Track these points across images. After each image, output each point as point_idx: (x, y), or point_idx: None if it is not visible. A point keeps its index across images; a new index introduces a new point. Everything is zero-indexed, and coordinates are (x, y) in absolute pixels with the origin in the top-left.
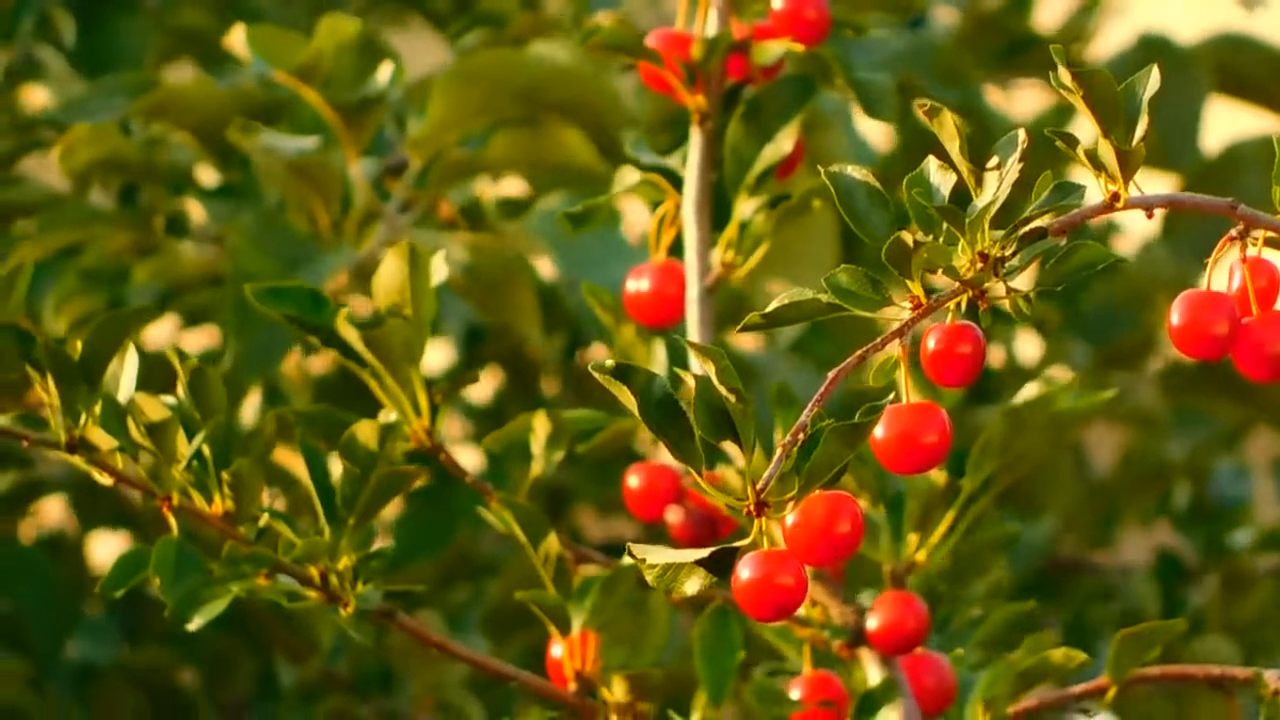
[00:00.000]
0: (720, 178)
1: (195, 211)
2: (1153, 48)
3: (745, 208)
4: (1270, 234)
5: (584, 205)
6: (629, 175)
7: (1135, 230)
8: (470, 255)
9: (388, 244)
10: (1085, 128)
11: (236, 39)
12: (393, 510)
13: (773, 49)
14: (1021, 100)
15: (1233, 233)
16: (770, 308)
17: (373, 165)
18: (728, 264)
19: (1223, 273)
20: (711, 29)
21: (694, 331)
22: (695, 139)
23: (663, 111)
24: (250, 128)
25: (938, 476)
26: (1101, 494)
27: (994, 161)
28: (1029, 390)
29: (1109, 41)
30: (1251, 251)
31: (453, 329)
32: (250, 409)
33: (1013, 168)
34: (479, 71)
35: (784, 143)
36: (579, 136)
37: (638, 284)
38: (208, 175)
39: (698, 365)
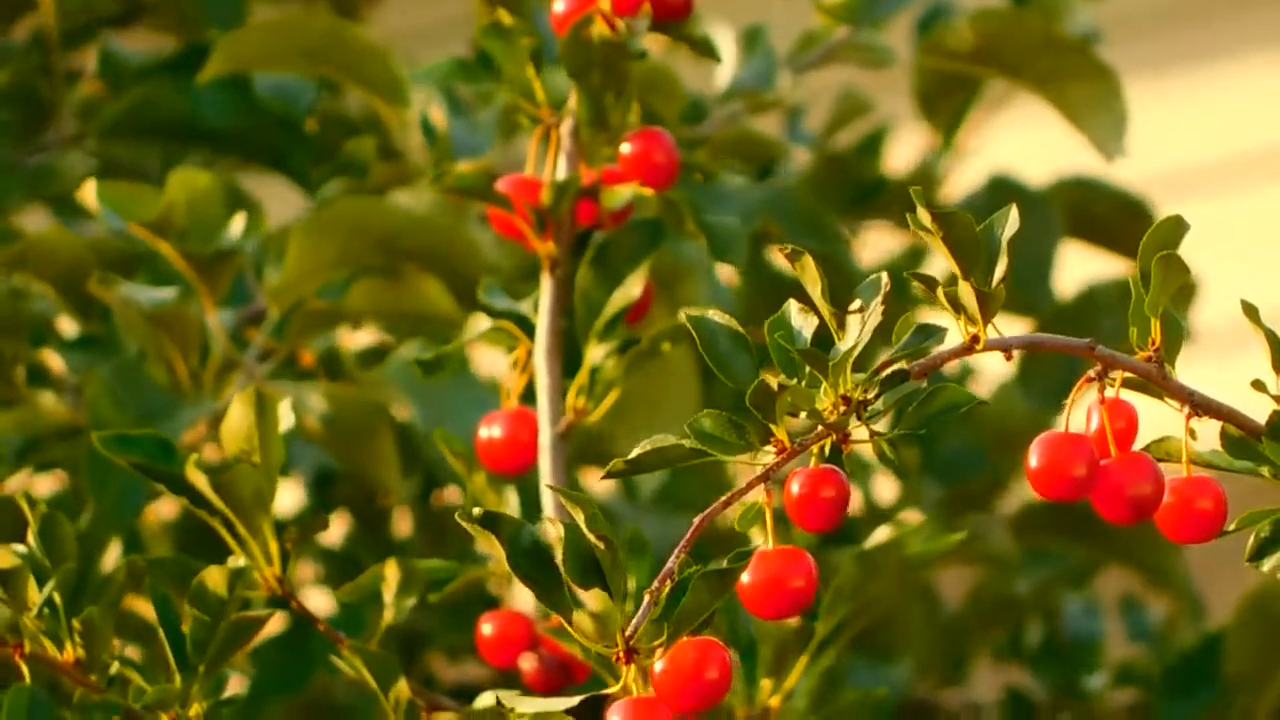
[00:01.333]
0: (571, 324)
1: (55, 362)
2: (1003, 189)
3: (596, 353)
4: (1128, 375)
5: (435, 352)
6: (481, 322)
7: (990, 372)
8: (329, 404)
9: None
10: (938, 270)
11: (88, 193)
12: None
13: (621, 193)
14: (871, 244)
15: (1091, 374)
16: (633, 454)
17: (231, 315)
18: (579, 410)
19: (1081, 414)
20: (561, 174)
21: (547, 478)
22: (546, 285)
23: (523, 259)
24: (108, 279)
25: (791, 620)
26: (953, 633)
27: (856, 304)
28: (880, 534)
29: (959, 184)
30: (1110, 393)
31: (302, 472)
32: (111, 557)
33: (875, 310)
34: (336, 220)
35: (633, 287)
36: (437, 285)
37: (489, 431)
38: (68, 326)
39: (558, 512)
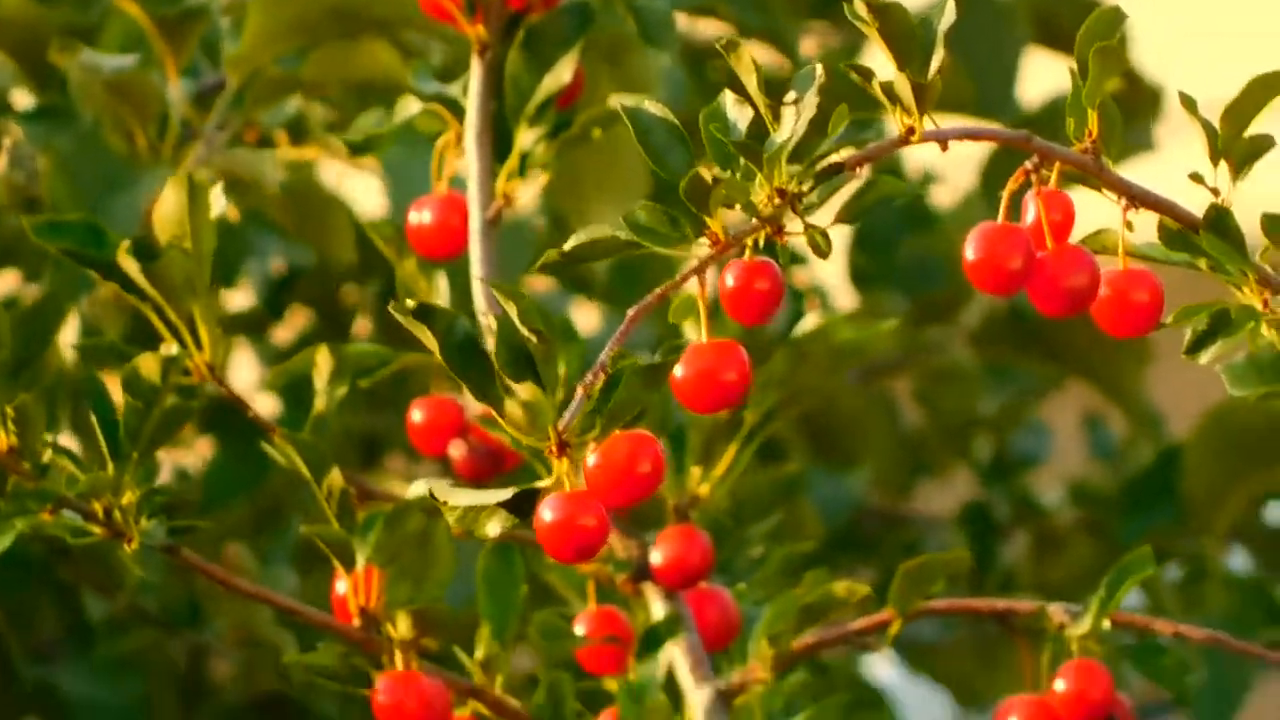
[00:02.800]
0: (501, 108)
1: (11, 135)
2: None
3: (526, 138)
4: (1066, 168)
5: (365, 134)
6: (411, 105)
7: (958, 182)
8: (290, 174)
9: (206, 163)
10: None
11: None
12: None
13: None
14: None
15: (1028, 165)
16: (568, 245)
17: (190, 85)
18: (509, 195)
19: (1018, 208)
20: None
21: (477, 264)
22: (476, 69)
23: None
24: (69, 45)
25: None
26: (911, 446)
27: (791, 96)
28: (808, 322)
29: None
30: (1047, 186)
31: (261, 271)
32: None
33: (810, 102)
34: None
35: (563, 72)
36: (393, 54)
37: (419, 216)
38: (23, 98)
39: (490, 305)
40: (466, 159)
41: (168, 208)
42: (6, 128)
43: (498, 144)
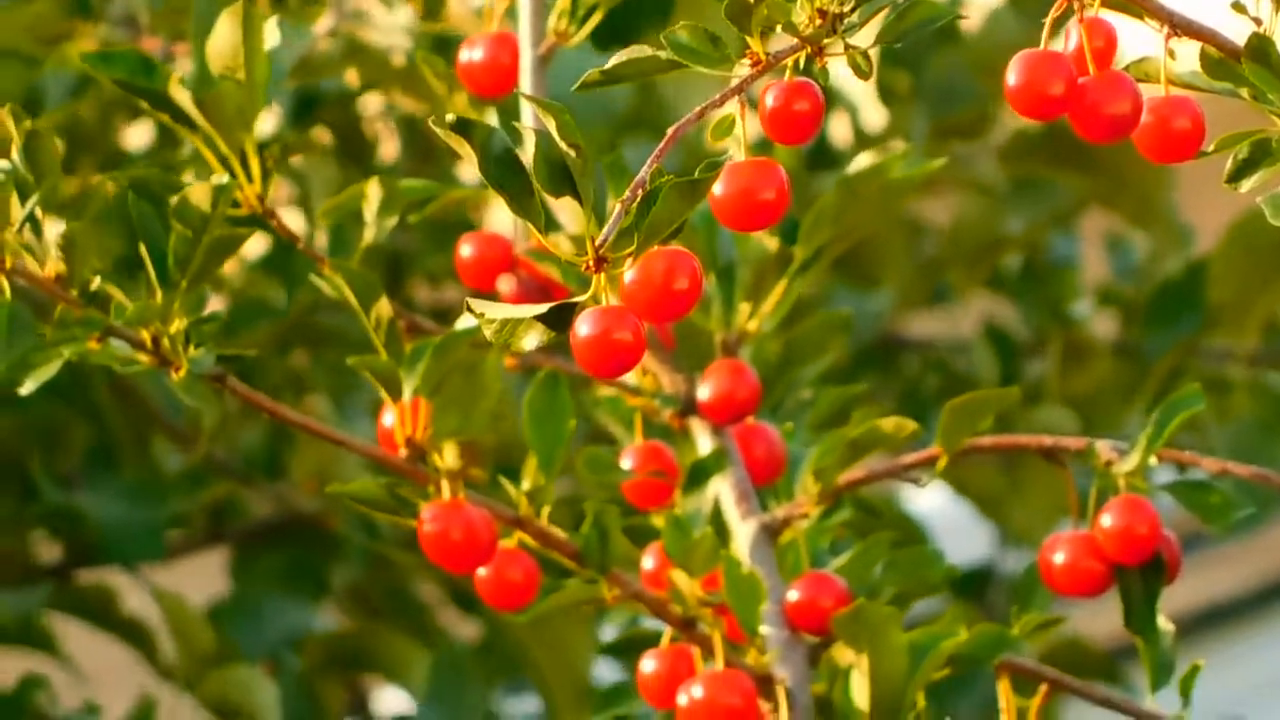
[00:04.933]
0: None
1: None
2: None
3: None
4: None
5: None
6: None
7: (979, 2)
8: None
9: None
10: None
11: None
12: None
13: None
14: None
15: None
16: (609, 64)
17: None
18: (561, 33)
19: (1060, 35)
20: None
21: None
22: None
23: None
24: None
25: (769, 244)
26: (936, 265)
27: None
28: (862, 160)
29: None
30: (1089, 12)
31: (283, 93)
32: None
33: None
34: None
35: None
36: None
37: (470, 53)
38: None
39: (532, 121)
40: None
41: (221, 39)
42: None
43: None
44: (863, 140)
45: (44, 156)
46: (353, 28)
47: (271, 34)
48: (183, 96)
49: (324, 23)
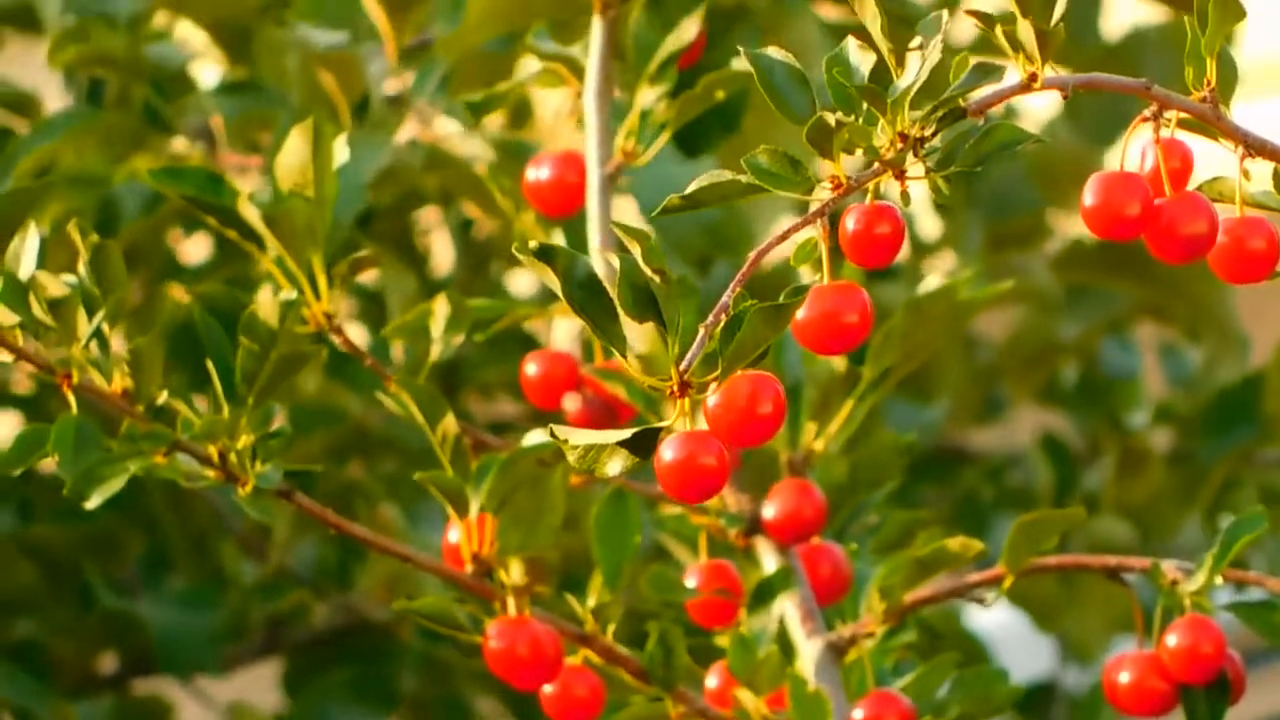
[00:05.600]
0: (623, 66)
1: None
2: None
3: (646, 96)
4: (1183, 115)
5: (485, 94)
6: (531, 64)
7: (1031, 114)
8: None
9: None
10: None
11: None
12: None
13: None
14: None
15: (1146, 113)
16: (690, 189)
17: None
18: (628, 152)
19: (1136, 154)
20: None
21: (594, 219)
22: (597, 26)
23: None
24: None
25: (837, 364)
26: (991, 375)
27: (917, 41)
28: (931, 282)
29: None
30: (1165, 132)
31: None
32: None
33: (935, 47)
34: None
35: (686, 31)
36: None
37: (537, 172)
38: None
39: (613, 247)
40: (585, 117)
41: (291, 156)
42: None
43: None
44: (919, 250)
45: (111, 271)
46: (434, 136)
47: (341, 151)
48: (251, 213)
49: (406, 131)
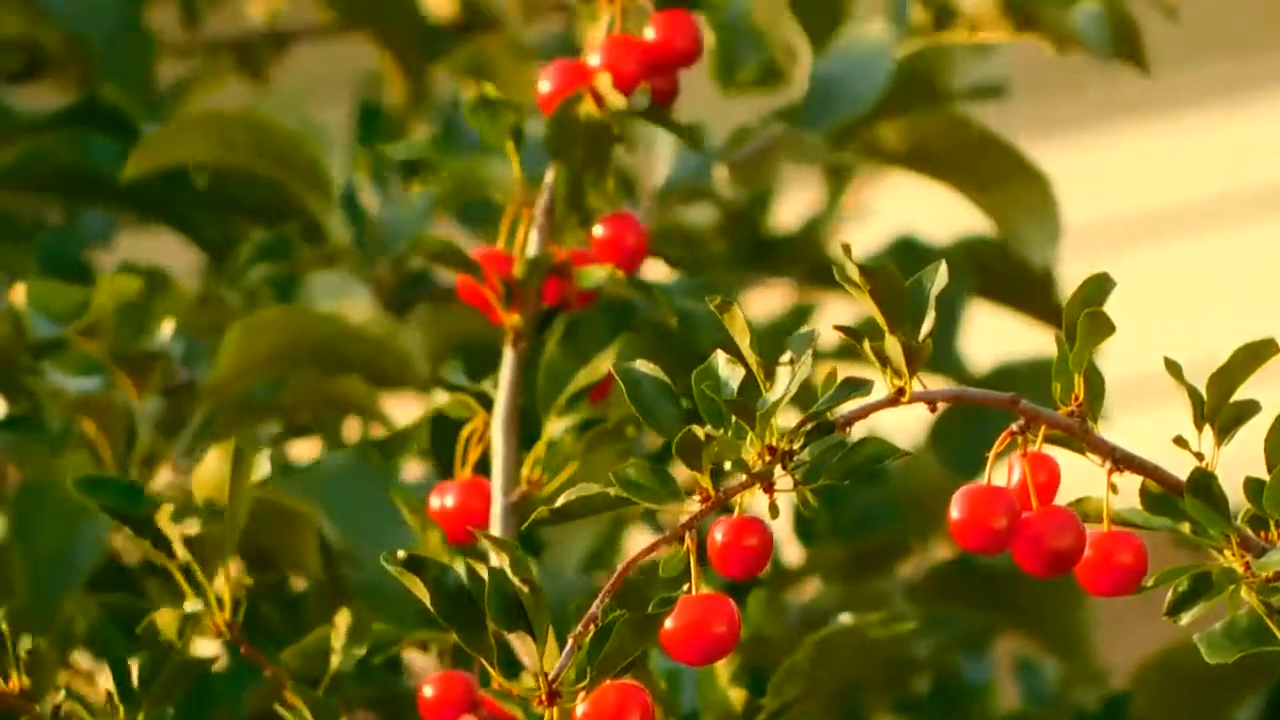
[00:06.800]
0: (531, 398)
1: None
2: (907, 249)
3: (556, 426)
4: (1050, 430)
5: (393, 433)
6: (439, 396)
7: (893, 432)
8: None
9: (173, 487)
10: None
11: (17, 294)
12: None
13: (596, 273)
14: (757, 302)
15: (1014, 427)
16: (559, 502)
17: (157, 404)
18: (534, 481)
19: (1002, 468)
20: (532, 250)
21: None
22: (508, 357)
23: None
24: (36, 369)
25: (736, 696)
26: (847, 689)
27: (787, 356)
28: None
29: (856, 242)
30: (1033, 447)
31: None
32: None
33: (806, 363)
34: (270, 326)
35: (600, 365)
36: (367, 386)
37: (442, 499)
38: None
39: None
40: (492, 445)
41: (210, 470)
42: None
43: (524, 433)
44: (778, 570)
45: (8, 573)
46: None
47: (262, 466)
48: (173, 531)
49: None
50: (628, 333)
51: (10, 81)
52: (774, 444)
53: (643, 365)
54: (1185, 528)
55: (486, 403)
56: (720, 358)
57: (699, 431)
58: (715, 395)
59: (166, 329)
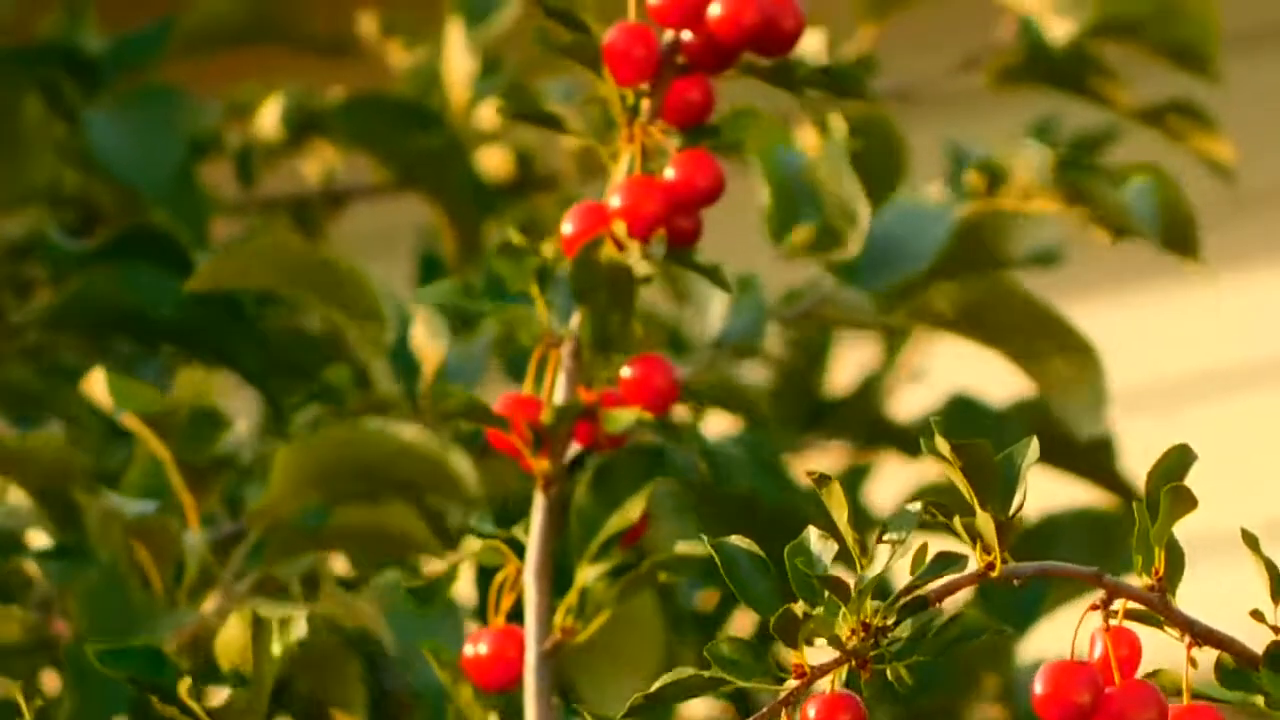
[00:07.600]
0: (564, 543)
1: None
2: (964, 410)
3: (588, 573)
4: (1131, 604)
5: (427, 580)
6: (471, 544)
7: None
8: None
9: (222, 611)
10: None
11: (95, 384)
12: None
13: (624, 416)
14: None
15: (1096, 601)
16: (654, 687)
17: (210, 532)
18: (567, 629)
19: (1084, 641)
20: (559, 393)
21: (531, 695)
22: (539, 503)
23: (506, 488)
24: (94, 487)
25: None
26: None
27: (888, 535)
28: None
29: (909, 401)
30: (1114, 621)
31: None
32: None
33: (909, 541)
34: (320, 446)
35: (632, 511)
36: (413, 515)
37: (476, 648)
38: (38, 538)
39: None
40: (525, 593)
41: (230, 638)
42: (24, 566)
43: (557, 580)
44: None
45: None
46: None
47: (296, 631)
48: (194, 706)
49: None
50: (660, 476)
51: (67, 236)
52: (868, 620)
53: (737, 540)
54: (1259, 700)
55: (519, 549)
56: (812, 533)
57: (797, 609)
58: (809, 570)
59: (239, 431)
